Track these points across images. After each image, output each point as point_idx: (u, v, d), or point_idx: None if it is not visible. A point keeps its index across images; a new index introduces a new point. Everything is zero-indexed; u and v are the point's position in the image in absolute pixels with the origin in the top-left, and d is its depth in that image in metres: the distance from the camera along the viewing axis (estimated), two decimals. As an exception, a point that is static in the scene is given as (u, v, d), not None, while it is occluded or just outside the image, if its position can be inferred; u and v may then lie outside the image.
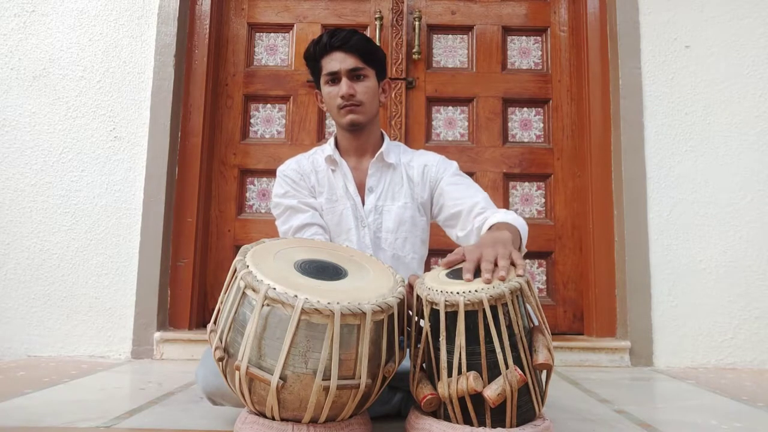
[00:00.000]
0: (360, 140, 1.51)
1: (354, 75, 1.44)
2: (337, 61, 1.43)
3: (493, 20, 2.51)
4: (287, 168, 1.53)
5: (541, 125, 2.48)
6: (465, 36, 2.53)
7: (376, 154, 1.50)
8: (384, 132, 1.58)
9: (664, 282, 2.16)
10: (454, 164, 1.54)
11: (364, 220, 1.47)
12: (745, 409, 1.45)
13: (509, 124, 2.48)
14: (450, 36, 2.52)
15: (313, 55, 1.47)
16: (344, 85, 1.42)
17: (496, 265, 0.99)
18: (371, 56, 1.46)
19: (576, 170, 2.41)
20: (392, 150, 1.54)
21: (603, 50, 2.37)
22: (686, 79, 2.26)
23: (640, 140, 2.23)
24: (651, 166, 2.22)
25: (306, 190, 1.50)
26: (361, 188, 1.51)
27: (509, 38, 2.53)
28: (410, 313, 1.07)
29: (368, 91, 1.45)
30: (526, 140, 2.47)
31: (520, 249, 1.28)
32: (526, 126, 2.48)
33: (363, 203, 1.49)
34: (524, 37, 2.53)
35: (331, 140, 1.55)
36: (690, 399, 1.59)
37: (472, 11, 2.52)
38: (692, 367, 2.10)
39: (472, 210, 1.39)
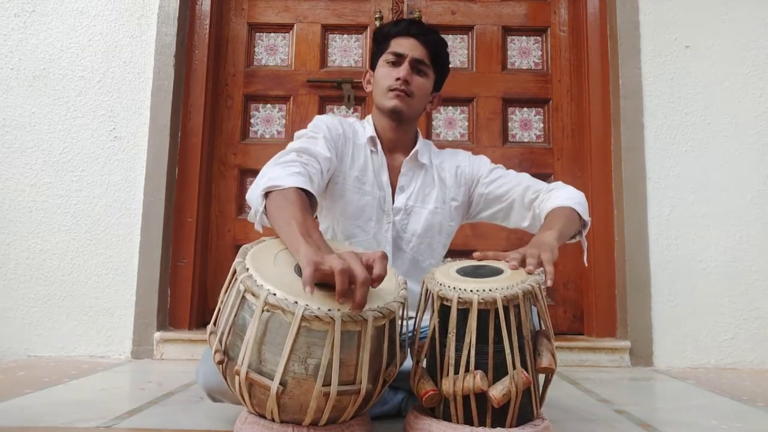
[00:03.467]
0: (396, 133, 1.45)
1: (417, 67, 1.40)
2: (407, 46, 1.39)
3: (493, 20, 2.51)
4: (327, 118, 1.41)
5: (541, 125, 2.48)
6: (465, 36, 2.53)
7: (410, 153, 1.45)
8: (419, 130, 1.53)
9: (664, 282, 2.16)
10: (485, 159, 1.52)
11: (390, 216, 1.41)
12: (745, 409, 1.45)
13: (509, 124, 2.48)
14: (450, 36, 2.52)
15: (386, 33, 1.44)
16: (404, 70, 1.38)
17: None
18: (439, 59, 1.44)
19: (576, 170, 2.41)
20: (425, 150, 1.49)
21: (603, 50, 2.37)
22: (686, 79, 2.26)
23: (640, 140, 2.23)
24: (651, 166, 2.22)
25: (333, 145, 1.35)
26: (391, 184, 1.45)
27: (509, 38, 2.53)
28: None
29: (422, 87, 1.41)
30: (526, 140, 2.47)
31: (584, 224, 1.35)
32: (526, 126, 2.48)
33: (393, 200, 1.43)
34: (524, 37, 2.53)
35: (371, 119, 1.48)
36: (690, 399, 1.59)
37: (472, 11, 2.52)
38: (692, 367, 2.10)
39: (524, 198, 1.42)
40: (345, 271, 0.89)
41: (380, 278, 0.94)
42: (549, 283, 1.05)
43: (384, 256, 0.96)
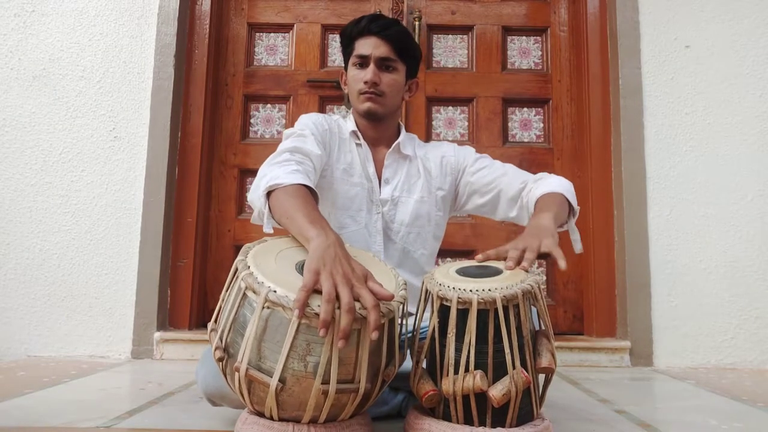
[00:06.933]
0: (377, 131, 1.46)
1: (383, 64, 1.39)
2: (370, 46, 1.38)
3: (493, 20, 2.51)
4: (313, 116, 1.44)
5: (541, 125, 2.48)
6: (465, 36, 2.53)
7: (393, 145, 1.46)
8: (401, 123, 1.53)
9: (664, 282, 2.16)
10: (471, 149, 1.52)
11: (379, 207, 1.42)
12: (745, 409, 1.45)
13: (509, 124, 2.48)
14: (450, 36, 2.52)
15: (349, 35, 1.43)
16: (370, 72, 1.37)
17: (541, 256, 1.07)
18: (406, 51, 1.42)
19: (576, 170, 2.41)
20: (408, 142, 1.49)
21: (603, 50, 2.37)
22: (686, 79, 2.26)
23: (640, 140, 2.23)
24: (651, 165, 2.22)
25: (321, 141, 1.37)
26: (377, 176, 1.46)
27: (509, 38, 2.53)
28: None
29: (394, 84, 1.40)
30: (526, 140, 2.47)
31: (571, 210, 1.33)
32: (526, 126, 2.48)
33: (380, 192, 1.44)
34: (524, 37, 2.53)
35: (352, 117, 1.48)
36: (690, 399, 1.59)
37: (472, 11, 2.52)
38: (692, 367, 2.10)
39: (511, 188, 1.41)
40: (331, 300, 0.88)
41: (389, 298, 0.94)
42: (562, 264, 1.04)
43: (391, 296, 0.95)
